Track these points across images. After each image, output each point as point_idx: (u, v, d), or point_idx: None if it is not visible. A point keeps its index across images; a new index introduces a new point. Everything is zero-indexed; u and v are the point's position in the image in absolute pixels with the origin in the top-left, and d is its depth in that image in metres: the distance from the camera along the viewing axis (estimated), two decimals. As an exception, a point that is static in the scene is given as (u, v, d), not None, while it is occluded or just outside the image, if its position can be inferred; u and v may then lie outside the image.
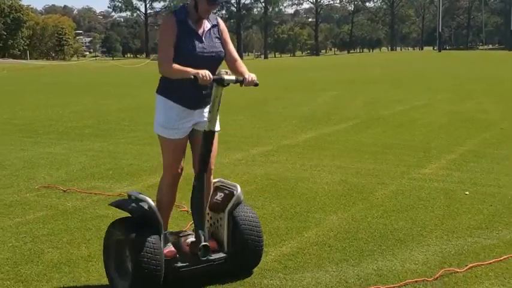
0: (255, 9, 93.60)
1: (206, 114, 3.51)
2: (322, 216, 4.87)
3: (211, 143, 3.46)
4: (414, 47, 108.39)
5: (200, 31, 3.52)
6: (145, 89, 19.34)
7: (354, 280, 3.55)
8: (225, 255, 3.57)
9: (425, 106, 13.15)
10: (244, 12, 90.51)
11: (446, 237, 4.29)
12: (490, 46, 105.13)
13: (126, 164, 7.17)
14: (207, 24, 3.56)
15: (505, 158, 7.18)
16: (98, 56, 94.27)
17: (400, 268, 3.71)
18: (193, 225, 3.60)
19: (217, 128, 3.48)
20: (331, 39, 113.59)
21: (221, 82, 3.29)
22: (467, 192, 5.51)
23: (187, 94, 3.48)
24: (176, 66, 3.39)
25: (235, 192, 3.63)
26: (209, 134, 3.42)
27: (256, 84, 3.46)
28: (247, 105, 13.52)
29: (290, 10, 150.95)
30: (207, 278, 3.56)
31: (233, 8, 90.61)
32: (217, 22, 3.62)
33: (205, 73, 3.26)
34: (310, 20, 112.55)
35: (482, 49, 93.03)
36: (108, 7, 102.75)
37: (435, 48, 75.69)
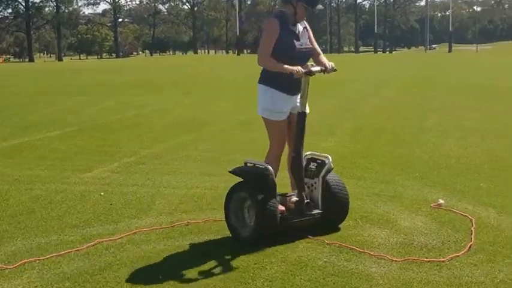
0: (46, 8, 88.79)
1: (298, 99, 4.53)
2: None
3: (304, 122, 4.46)
4: (228, 50, 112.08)
5: (297, 32, 4.52)
6: None
7: None
8: (320, 211, 4.58)
9: (161, 110, 13.78)
10: (33, 11, 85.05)
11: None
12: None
13: None
14: (299, 26, 4.56)
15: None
16: None
17: None
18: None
19: (307, 110, 4.52)
20: (142, 41, 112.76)
21: (310, 73, 4.36)
22: (102, 193, 6.07)
23: (285, 83, 4.45)
24: (274, 61, 4.38)
25: (326, 161, 4.62)
26: (302, 115, 4.45)
27: (335, 70, 4.54)
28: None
29: (98, 9, 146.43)
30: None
31: (21, 7, 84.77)
32: (306, 24, 4.62)
33: (298, 69, 4.30)
34: (121, 20, 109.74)
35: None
36: None
37: (248, 52, 79.45)
